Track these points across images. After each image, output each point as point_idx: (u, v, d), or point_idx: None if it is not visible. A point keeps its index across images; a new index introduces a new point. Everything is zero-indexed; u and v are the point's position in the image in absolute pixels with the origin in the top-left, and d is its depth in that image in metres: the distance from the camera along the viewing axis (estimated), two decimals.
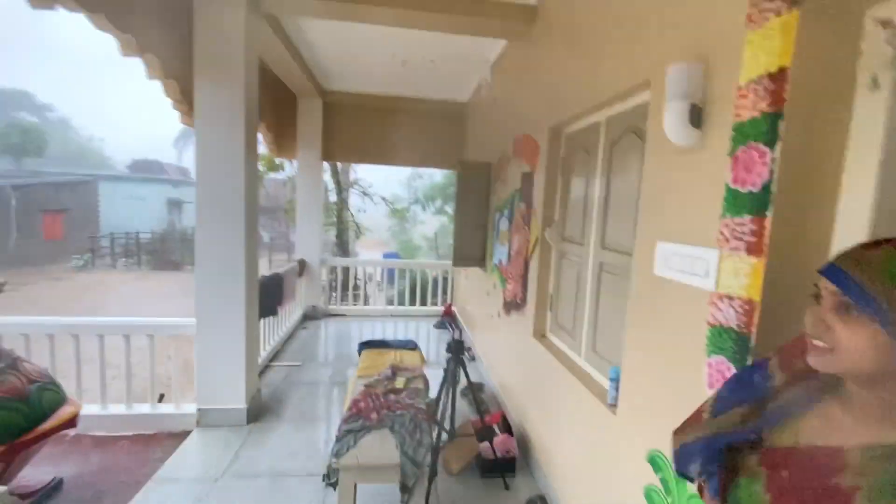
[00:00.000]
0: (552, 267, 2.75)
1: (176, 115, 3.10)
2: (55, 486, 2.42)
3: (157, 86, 2.85)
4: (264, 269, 4.45)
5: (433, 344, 5.26)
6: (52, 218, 19.06)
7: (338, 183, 8.68)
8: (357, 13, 3.08)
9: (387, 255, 13.98)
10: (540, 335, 2.81)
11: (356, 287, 6.89)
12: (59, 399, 2.37)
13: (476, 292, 4.90)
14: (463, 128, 6.12)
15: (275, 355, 4.51)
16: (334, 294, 6.70)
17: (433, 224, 20.99)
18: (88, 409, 2.89)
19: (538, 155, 2.83)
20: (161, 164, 29.37)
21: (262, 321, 4.06)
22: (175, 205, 25.04)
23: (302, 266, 5.73)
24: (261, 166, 7.71)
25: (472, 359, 4.57)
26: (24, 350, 2.85)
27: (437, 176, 15.65)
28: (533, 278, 2.85)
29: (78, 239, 18.29)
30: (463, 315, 5.74)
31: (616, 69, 1.86)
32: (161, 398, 3.32)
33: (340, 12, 3.09)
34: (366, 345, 3.60)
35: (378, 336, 5.52)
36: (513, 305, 3.29)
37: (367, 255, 21.36)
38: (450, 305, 6.29)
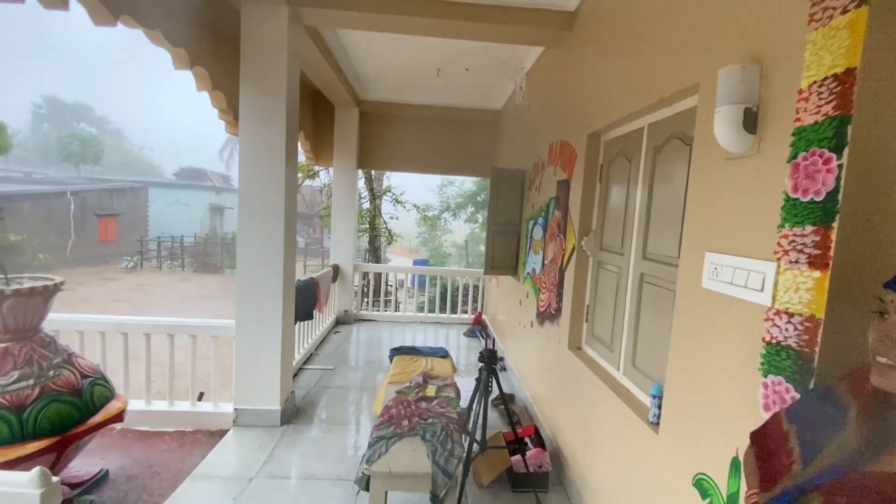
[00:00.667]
0: (589, 277, 2.68)
1: (222, 124, 3.27)
2: (101, 478, 2.54)
3: (204, 97, 3.04)
4: (299, 274, 4.56)
5: (463, 352, 5.23)
6: (105, 222, 20.34)
7: (371, 190, 8.84)
8: (393, 24, 3.14)
9: (417, 263, 14.10)
10: (575, 347, 2.73)
11: (387, 293, 6.95)
12: (109, 394, 2.49)
13: (508, 301, 4.85)
14: (496, 135, 6.11)
15: (308, 358, 4.60)
16: (366, 299, 6.80)
17: (463, 232, 21.04)
18: (134, 404, 3.03)
19: (575, 162, 2.78)
20: (205, 171, 30.82)
21: (297, 325, 4.16)
22: (217, 210, 26.20)
23: (336, 271, 5.84)
24: (298, 174, 7.98)
25: (503, 369, 4.51)
26: (77, 346, 3.03)
27: (467, 183, 15.67)
28: (568, 288, 2.78)
29: (128, 242, 19.43)
30: (493, 324, 5.68)
31: (661, 73, 1.80)
32: (200, 397, 3.44)
33: (377, 24, 3.16)
34: (397, 351, 3.61)
35: (408, 342, 5.54)
36: (546, 315, 3.22)
37: (399, 262, 21.63)
38: (480, 314, 6.25)
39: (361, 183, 8.59)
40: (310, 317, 4.50)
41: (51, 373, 2.26)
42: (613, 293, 2.33)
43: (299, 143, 5.65)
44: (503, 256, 4.31)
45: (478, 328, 5.83)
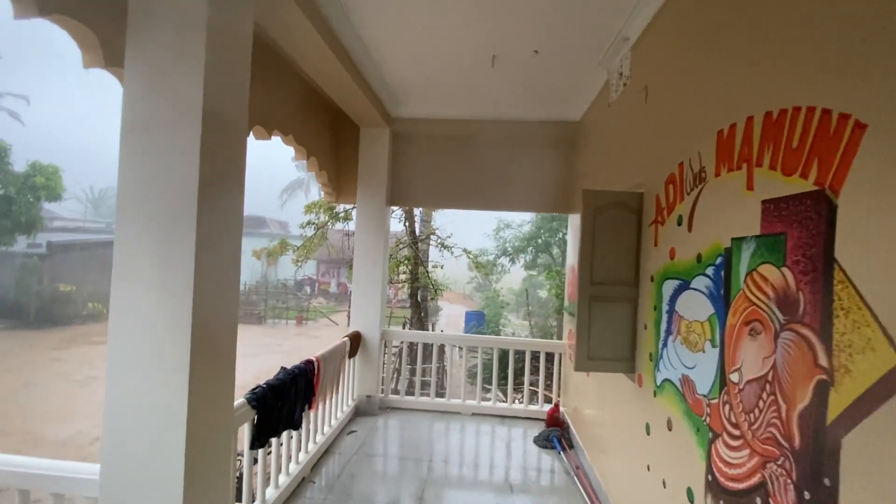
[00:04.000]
0: None
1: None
2: None
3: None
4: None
5: (532, 474, 3.37)
6: None
7: (412, 233, 7.41)
8: None
9: (470, 316, 12.32)
10: None
11: (424, 372, 5.24)
12: None
13: (613, 406, 3.00)
14: (572, 157, 4.47)
15: (296, 492, 2.97)
16: (397, 374, 5.16)
17: (518, 277, 19.07)
18: None
19: (853, 149, 1.06)
20: (265, 219, 31.69)
21: (262, 444, 2.60)
22: (273, 257, 26.32)
23: (355, 343, 4.30)
24: (322, 215, 6.77)
25: None
26: None
27: (526, 226, 13.94)
28: (854, 469, 0.99)
29: None
30: (578, 424, 3.79)
31: None
32: None
33: None
34: None
35: (455, 448, 3.80)
36: (744, 497, 1.40)
37: (451, 310, 19.92)
38: (557, 406, 4.36)
39: (398, 224, 7.25)
40: (294, 425, 2.92)
41: None
42: None
43: (314, 174, 4.40)
44: (607, 339, 2.53)
45: (555, 433, 3.94)
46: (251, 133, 3.02)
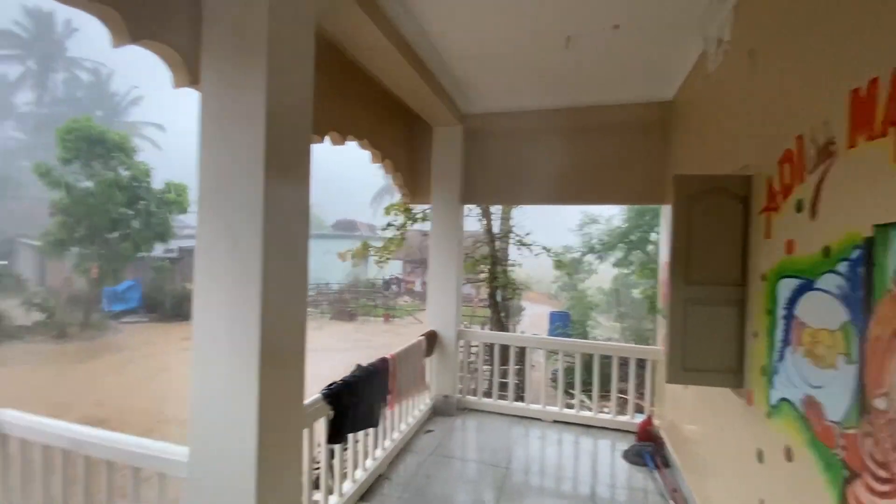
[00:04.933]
0: None
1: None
2: None
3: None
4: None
5: (621, 492, 3.07)
6: None
7: (489, 231, 7.27)
8: None
9: (555, 316, 11.84)
10: None
11: (504, 374, 5.07)
12: None
13: (716, 424, 2.61)
14: (663, 141, 4.01)
15: (372, 489, 3.03)
16: (473, 375, 5.08)
17: (609, 275, 17.91)
18: None
19: None
20: (355, 222, 33.73)
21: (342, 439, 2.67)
22: (362, 257, 27.95)
23: (431, 342, 4.31)
24: (399, 216, 6.92)
25: None
26: None
27: (615, 220, 13.01)
28: None
29: None
30: (674, 440, 3.38)
31: None
32: None
33: None
34: None
35: (535, 456, 3.62)
36: None
37: (534, 309, 19.38)
38: (650, 419, 3.95)
39: (474, 223, 7.16)
40: (372, 423, 2.98)
41: None
42: None
43: (391, 176, 4.49)
44: (707, 349, 2.18)
45: (648, 449, 3.56)
46: (327, 139, 3.14)
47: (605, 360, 4.41)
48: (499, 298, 7.48)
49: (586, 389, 4.65)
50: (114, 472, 2.01)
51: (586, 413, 4.34)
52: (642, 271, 10.88)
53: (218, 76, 1.68)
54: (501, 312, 7.58)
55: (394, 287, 28.30)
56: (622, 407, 4.40)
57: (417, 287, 29.22)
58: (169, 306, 17.09)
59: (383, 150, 3.99)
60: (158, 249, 17.90)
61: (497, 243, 7.38)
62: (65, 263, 16.87)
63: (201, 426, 1.67)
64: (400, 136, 4.44)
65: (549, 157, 4.34)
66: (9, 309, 14.66)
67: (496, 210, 7.49)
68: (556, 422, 4.27)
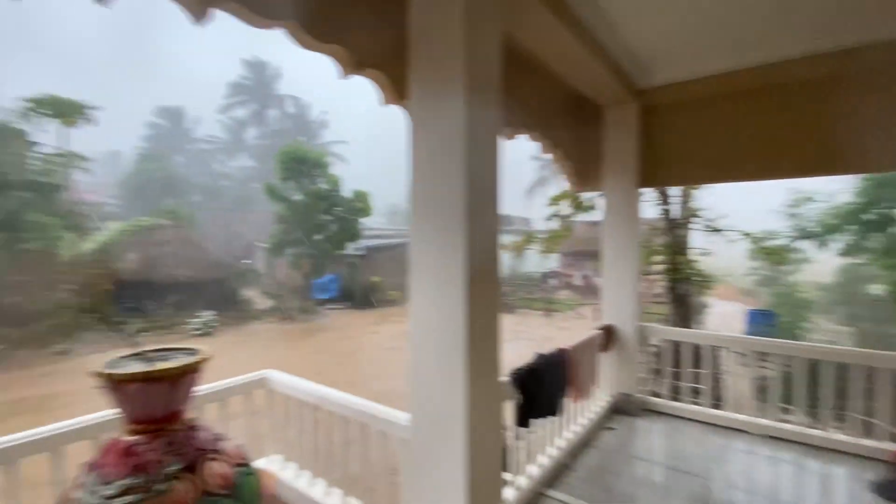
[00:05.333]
0: None
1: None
2: None
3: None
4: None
5: None
6: None
7: (667, 216, 6.49)
8: None
9: (754, 315, 9.95)
10: None
11: (696, 377, 4.45)
12: (257, 482, 1.84)
13: None
14: None
15: (555, 476, 3.05)
16: (657, 375, 4.62)
17: (829, 267, 14.23)
18: None
19: None
20: (510, 216, 34.20)
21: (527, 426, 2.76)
22: (518, 251, 28.15)
23: (609, 336, 4.10)
24: (568, 206, 6.69)
25: None
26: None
27: (843, 194, 10.18)
28: None
29: None
30: None
31: None
32: None
33: None
34: None
35: (740, 472, 3.16)
36: None
37: (720, 307, 16.64)
38: None
39: (648, 209, 6.47)
40: (553, 412, 3.00)
41: (160, 486, 1.72)
42: None
43: (560, 165, 4.43)
44: None
45: None
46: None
47: (840, 371, 3.53)
48: (681, 293, 6.65)
49: (811, 404, 3.80)
50: (348, 424, 2.50)
51: (813, 431, 3.55)
52: (888, 259, 8.31)
53: (422, 93, 1.92)
54: (684, 309, 6.69)
55: (552, 281, 27.78)
56: (866, 428, 3.47)
57: (577, 281, 28.10)
58: (359, 296, 20.26)
59: (553, 140, 3.94)
60: (349, 248, 21.35)
61: (677, 231, 6.56)
62: (284, 261, 21.45)
63: (421, 397, 1.95)
64: (569, 123, 4.31)
65: (750, 125, 3.66)
66: (254, 297, 19.44)
67: (675, 193, 6.66)
68: (769, 437, 3.61)
